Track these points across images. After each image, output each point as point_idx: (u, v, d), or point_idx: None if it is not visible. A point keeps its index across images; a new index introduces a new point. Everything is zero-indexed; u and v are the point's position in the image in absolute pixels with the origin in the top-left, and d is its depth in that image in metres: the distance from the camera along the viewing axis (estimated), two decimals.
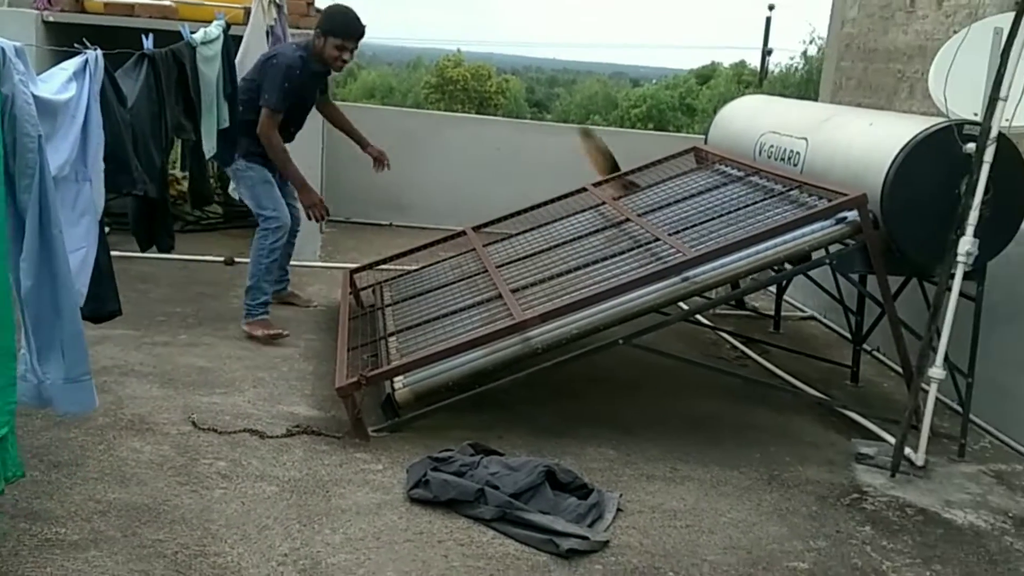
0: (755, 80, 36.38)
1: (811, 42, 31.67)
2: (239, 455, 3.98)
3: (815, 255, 4.96)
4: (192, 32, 4.69)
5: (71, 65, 3.26)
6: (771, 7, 35.13)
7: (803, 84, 28.82)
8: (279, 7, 6.11)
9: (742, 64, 49.21)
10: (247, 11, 6.48)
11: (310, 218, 5.66)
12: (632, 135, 12.36)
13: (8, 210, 2.77)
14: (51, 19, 7.07)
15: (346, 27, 5.36)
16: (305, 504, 3.63)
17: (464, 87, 47.57)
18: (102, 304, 3.63)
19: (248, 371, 4.95)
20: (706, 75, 50.33)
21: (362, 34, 5.44)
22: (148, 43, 4.06)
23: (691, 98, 46.75)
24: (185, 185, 7.32)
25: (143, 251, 4.57)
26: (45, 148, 2.85)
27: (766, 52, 34.19)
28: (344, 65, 5.54)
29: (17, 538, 3.18)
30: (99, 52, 3.37)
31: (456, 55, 51.22)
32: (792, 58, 37.63)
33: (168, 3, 7.07)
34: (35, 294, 2.91)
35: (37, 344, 2.99)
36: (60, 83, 3.15)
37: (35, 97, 2.83)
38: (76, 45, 3.41)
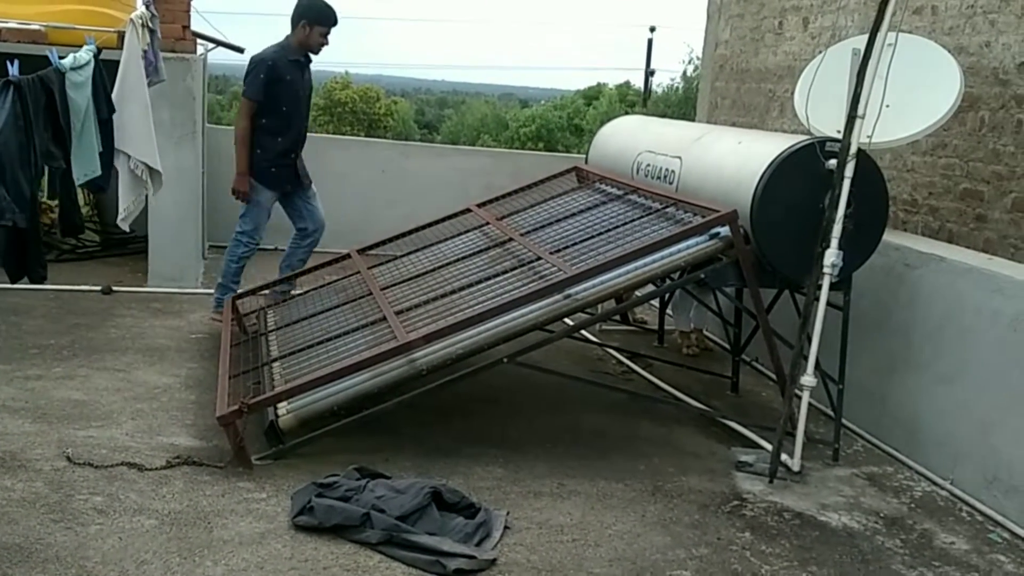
0: (639, 100, 37.18)
1: (690, 63, 32.50)
2: (116, 489, 3.87)
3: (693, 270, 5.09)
4: (61, 57, 4.57)
5: None
6: (652, 29, 36.03)
7: (684, 103, 29.56)
8: (152, 31, 5.99)
9: (627, 85, 50.15)
10: (120, 35, 6.34)
11: (233, 195, 6.38)
12: (520, 155, 12.48)
13: None
14: None
15: (330, 17, 6.27)
16: (186, 537, 3.55)
17: (352, 109, 47.23)
18: None
19: (126, 403, 4.82)
20: (592, 95, 51.09)
21: (337, 21, 6.34)
22: (13, 69, 3.95)
23: (578, 118, 47.39)
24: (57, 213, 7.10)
25: (13, 282, 4.42)
26: None
27: (649, 73, 35.01)
28: (322, 48, 6.35)
29: None
30: None
31: (344, 77, 50.85)
32: (673, 78, 38.63)
33: (37, 27, 6.86)
34: None
35: None
36: None
37: None
38: None
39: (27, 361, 5.27)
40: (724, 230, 4.68)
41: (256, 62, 6.16)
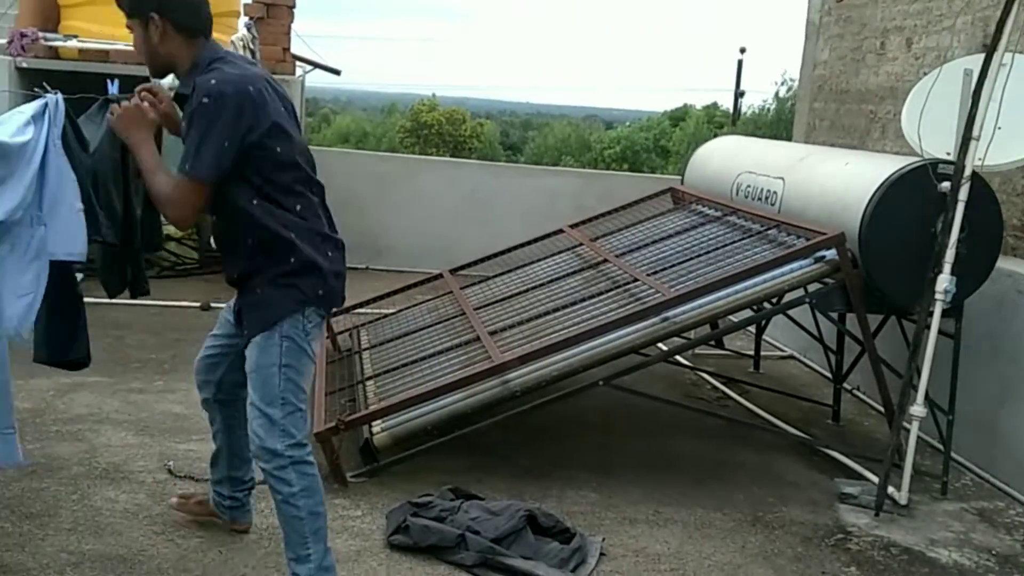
0: (727, 121, 36.82)
1: (783, 83, 32.04)
2: None
3: (793, 294, 4.97)
4: (160, 78, 4.62)
5: (29, 109, 3.22)
6: (743, 50, 35.68)
7: (775, 125, 29.15)
8: (252, 52, 6.11)
9: (714, 106, 49.80)
10: None
11: None
12: (610, 176, 12.42)
13: None
14: (25, 65, 7.04)
15: None
16: (283, 552, 3.54)
17: (439, 131, 47.82)
18: (66, 351, 3.53)
19: None
20: (679, 117, 50.83)
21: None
22: (113, 88, 3.98)
23: (664, 140, 47.18)
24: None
25: (111, 297, 4.37)
26: None
27: (738, 94, 34.66)
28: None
29: None
30: (60, 96, 3.33)
31: (431, 100, 51.57)
32: (764, 100, 38.18)
33: None
34: None
35: None
36: (16, 126, 3.10)
37: None
38: (36, 89, 3.38)
39: (130, 375, 5.38)
40: (830, 253, 4.56)
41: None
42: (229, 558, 3.47)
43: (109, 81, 3.96)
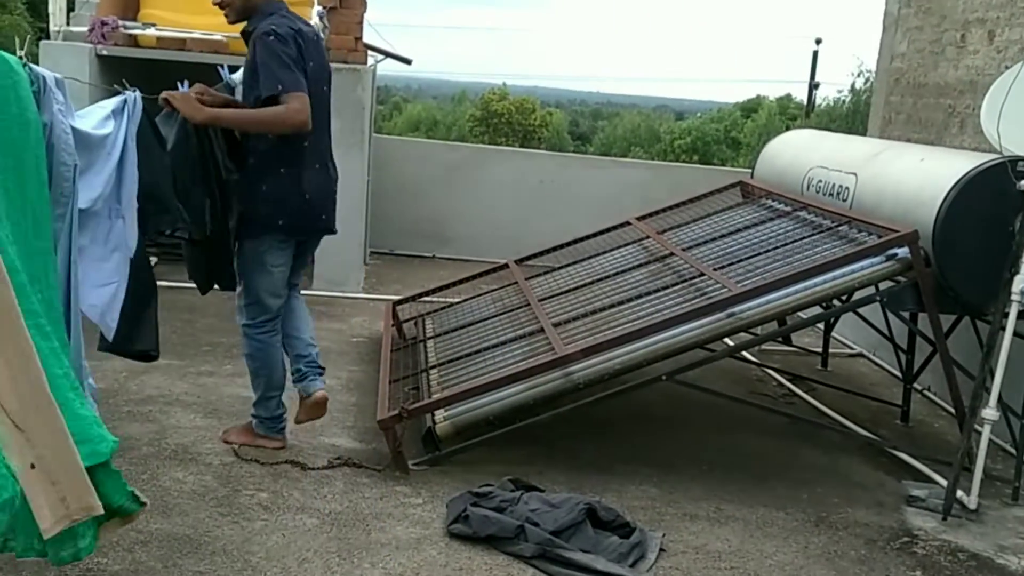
0: (800, 113, 36.18)
1: (859, 75, 31.27)
2: (280, 486, 3.97)
3: (863, 292, 4.88)
4: (233, 71, 4.69)
5: (110, 104, 3.31)
6: (818, 41, 34.95)
7: (850, 118, 28.54)
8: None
9: (787, 98, 49.07)
10: None
11: None
12: (679, 168, 12.32)
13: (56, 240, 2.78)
14: (104, 53, 7.20)
15: None
16: (345, 537, 3.61)
17: (508, 120, 47.84)
18: (129, 341, 3.60)
19: (290, 402, 4.93)
20: (751, 108, 50.18)
21: None
22: (185, 88, 4.04)
23: (736, 131, 46.62)
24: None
25: (203, 294, 4.42)
26: (78, 179, 2.88)
27: (813, 86, 33.98)
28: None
29: (58, 568, 3.18)
30: (138, 94, 3.42)
31: (501, 89, 51.62)
32: (840, 92, 37.33)
33: (219, 38, 7.17)
34: None
35: None
36: (98, 119, 3.19)
37: (72, 129, 2.87)
38: (116, 86, 3.46)
39: (199, 358, 5.50)
40: (903, 251, 4.46)
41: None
42: (292, 541, 3.53)
43: (180, 84, 4.05)
